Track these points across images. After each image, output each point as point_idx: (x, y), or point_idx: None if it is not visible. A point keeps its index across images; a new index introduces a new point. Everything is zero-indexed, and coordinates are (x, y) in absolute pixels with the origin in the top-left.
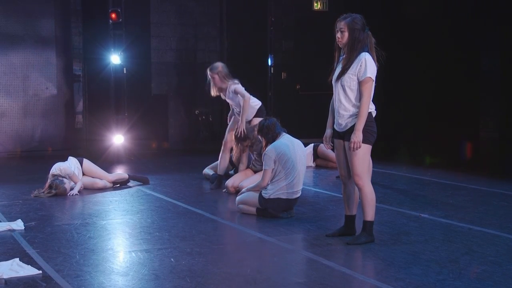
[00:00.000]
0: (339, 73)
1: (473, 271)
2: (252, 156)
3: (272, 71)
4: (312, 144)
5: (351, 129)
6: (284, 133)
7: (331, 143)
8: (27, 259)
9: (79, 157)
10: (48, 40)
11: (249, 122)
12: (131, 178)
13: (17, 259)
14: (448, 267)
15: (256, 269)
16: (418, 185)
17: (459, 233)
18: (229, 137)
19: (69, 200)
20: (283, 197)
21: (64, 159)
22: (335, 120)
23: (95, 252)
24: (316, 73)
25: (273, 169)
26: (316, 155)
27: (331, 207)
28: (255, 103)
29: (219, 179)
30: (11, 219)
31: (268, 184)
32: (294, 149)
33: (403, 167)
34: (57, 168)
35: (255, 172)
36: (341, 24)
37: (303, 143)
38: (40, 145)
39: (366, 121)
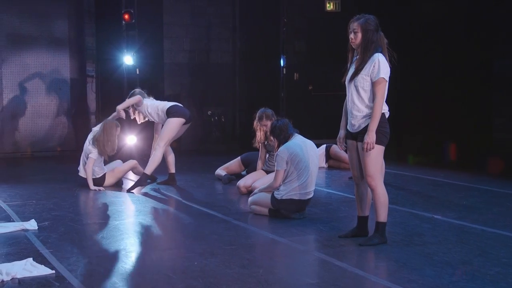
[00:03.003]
0: (353, 73)
1: (487, 273)
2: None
3: (284, 72)
4: (325, 145)
5: (364, 130)
6: (296, 134)
7: (344, 144)
8: (40, 259)
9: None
10: (61, 41)
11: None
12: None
13: (30, 259)
14: (462, 269)
15: (268, 270)
16: (430, 186)
17: (473, 234)
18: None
19: (82, 200)
20: (296, 198)
21: (76, 159)
22: (348, 121)
23: (108, 252)
24: (328, 74)
25: (285, 170)
26: (328, 156)
27: (343, 208)
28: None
29: None
30: (25, 219)
31: (280, 185)
32: (306, 150)
33: (415, 168)
34: (91, 135)
35: (267, 172)
36: (355, 25)
37: (316, 144)
38: (53, 146)
39: (379, 122)
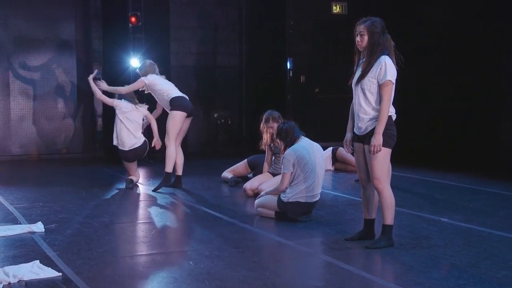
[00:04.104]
0: (359, 76)
1: (494, 276)
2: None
3: (291, 75)
4: (331, 148)
5: (371, 133)
6: (303, 137)
7: (351, 146)
8: (47, 261)
9: None
10: (68, 43)
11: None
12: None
13: (37, 261)
14: (468, 272)
15: (274, 273)
16: (437, 189)
17: (480, 237)
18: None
19: (88, 203)
20: (302, 200)
21: (84, 162)
22: (355, 124)
23: (115, 255)
24: (335, 76)
25: (292, 172)
26: (335, 158)
27: (350, 210)
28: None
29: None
30: (32, 221)
31: (287, 188)
32: (313, 153)
33: (422, 170)
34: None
35: (274, 175)
36: (361, 28)
37: (322, 147)
38: (60, 148)
39: (386, 124)
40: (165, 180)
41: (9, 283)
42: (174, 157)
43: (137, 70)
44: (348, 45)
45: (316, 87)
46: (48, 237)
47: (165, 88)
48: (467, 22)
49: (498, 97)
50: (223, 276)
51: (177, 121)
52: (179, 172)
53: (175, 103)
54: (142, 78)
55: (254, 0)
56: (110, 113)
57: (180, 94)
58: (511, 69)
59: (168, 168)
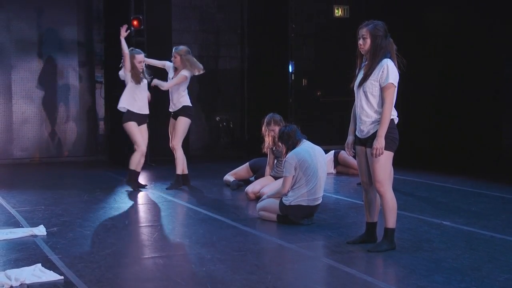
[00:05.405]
0: (361, 79)
1: (496, 279)
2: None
3: (292, 78)
4: (333, 151)
5: (373, 136)
6: (304, 140)
7: (353, 150)
8: (49, 265)
9: None
10: (70, 46)
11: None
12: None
13: (39, 265)
14: (471, 275)
15: (276, 276)
16: (439, 192)
17: (482, 240)
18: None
19: (90, 206)
20: (304, 204)
21: (86, 165)
22: (357, 127)
23: (117, 258)
24: (337, 79)
25: (293, 176)
26: (337, 162)
27: (352, 214)
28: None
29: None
30: (34, 224)
31: (288, 191)
32: (315, 156)
33: (424, 174)
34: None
35: (276, 178)
36: (363, 31)
37: (324, 150)
38: (62, 152)
39: (388, 127)
40: (178, 182)
41: (11, 287)
42: (184, 159)
43: (176, 50)
44: (350, 49)
45: (318, 90)
46: (50, 241)
47: (186, 92)
48: (469, 26)
49: (500, 101)
50: (224, 279)
51: (187, 128)
52: (185, 171)
53: (189, 112)
54: (185, 72)
55: (256, 4)
56: (111, 115)
57: (190, 102)
58: None
59: (179, 171)
